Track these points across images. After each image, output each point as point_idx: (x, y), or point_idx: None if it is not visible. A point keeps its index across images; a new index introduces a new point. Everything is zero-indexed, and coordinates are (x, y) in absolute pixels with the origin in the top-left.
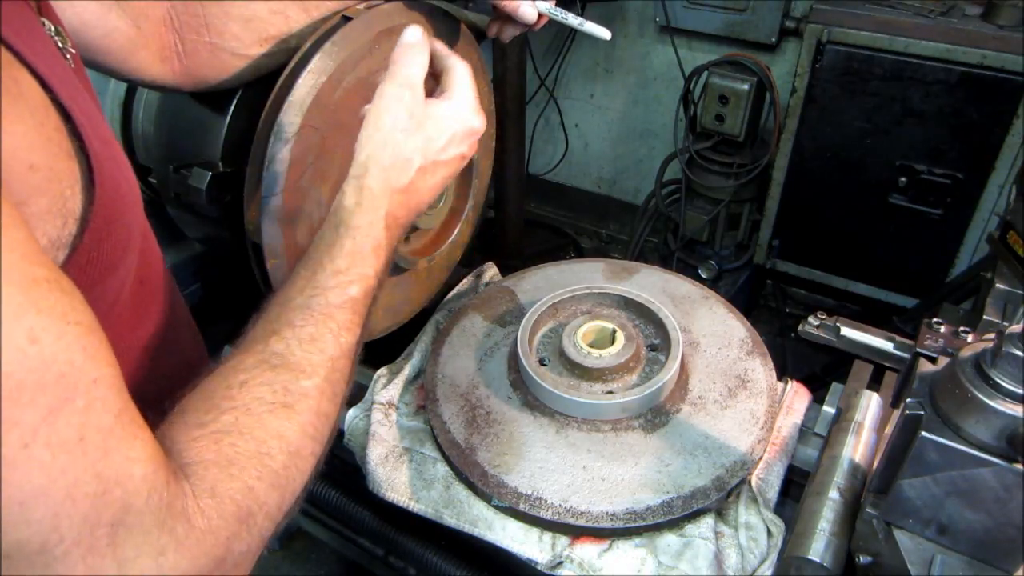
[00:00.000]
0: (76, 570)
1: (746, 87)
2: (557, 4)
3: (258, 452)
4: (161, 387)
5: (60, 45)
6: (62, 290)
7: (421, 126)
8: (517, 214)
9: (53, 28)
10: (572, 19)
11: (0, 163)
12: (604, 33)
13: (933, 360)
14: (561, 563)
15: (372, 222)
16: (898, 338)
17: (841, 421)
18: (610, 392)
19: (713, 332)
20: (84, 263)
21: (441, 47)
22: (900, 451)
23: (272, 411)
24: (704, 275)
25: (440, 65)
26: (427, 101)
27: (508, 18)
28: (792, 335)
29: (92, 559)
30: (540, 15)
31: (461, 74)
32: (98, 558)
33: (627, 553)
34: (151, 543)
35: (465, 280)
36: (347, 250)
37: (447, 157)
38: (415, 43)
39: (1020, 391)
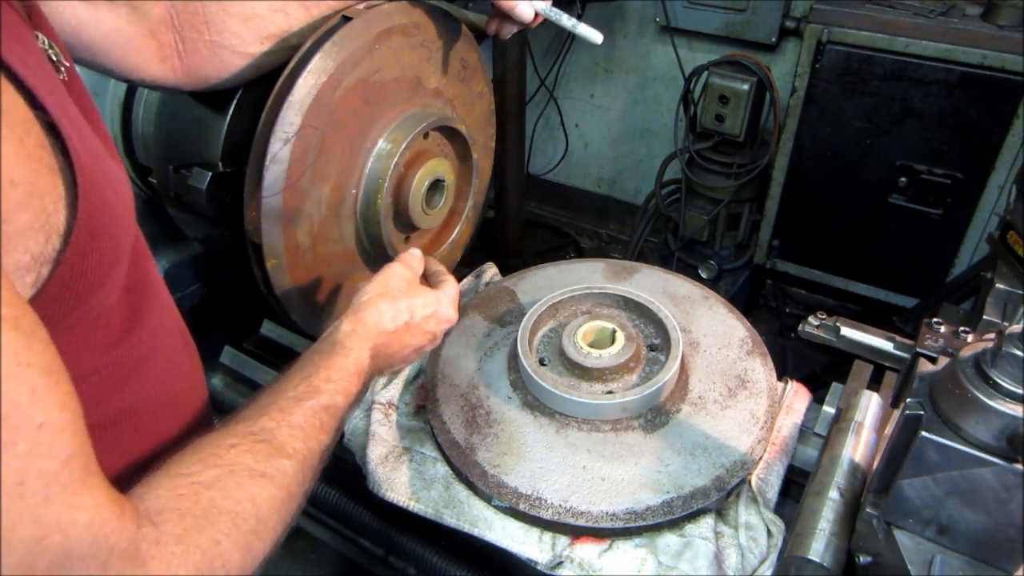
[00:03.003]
0: None
1: (746, 87)
2: (553, 5)
3: (232, 511)
4: (153, 396)
5: (54, 59)
6: (18, 329)
7: (414, 294)
8: (517, 214)
9: (47, 42)
10: (566, 20)
11: None
12: (596, 37)
13: (933, 360)
14: (561, 563)
15: (361, 348)
16: (898, 338)
17: (841, 421)
18: (610, 392)
19: (713, 332)
20: (68, 278)
21: (439, 266)
22: (900, 451)
23: (251, 477)
24: (704, 275)
25: (437, 279)
26: (422, 285)
27: (506, 16)
28: (792, 335)
29: None
30: (536, 14)
31: (451, 284)
32: None
33: (627, 553)
34: None
35: (465, 280)
36: (338, 365)
37: (427, 328)
38: (418, 254)
39: (1020, 391)
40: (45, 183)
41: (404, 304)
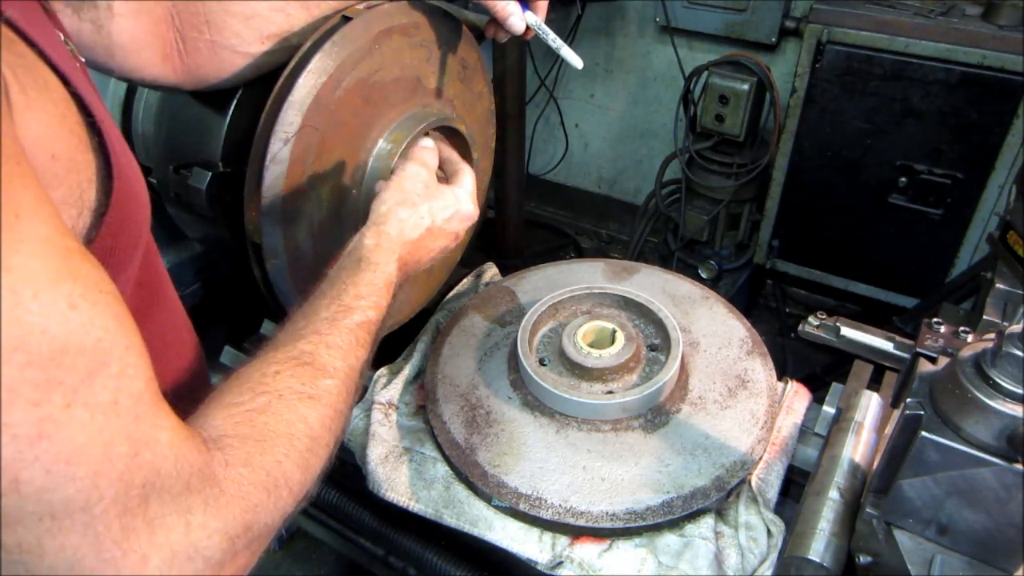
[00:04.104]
0: (112, 528)
1: (746, 87)
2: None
3: (287, 433)
4: (160, 390)
5: (72, 53)
6: (91, 262)
7: (433, 196)
8: (517, 214)
9: (62, 37)
10: (551, 40)
11: (3, 144)
12: (577, 63)
13: (933, 360)
14: (561, 563)
15: (387, 261)
16: (898, 338)
17: (841, 421)
18: (610, 392)
19: (713, 332)
20: (100, 257)
21: (452, 153)
22: (900, 451)
23: (300, 399)
24: (704, 275)
25: (451, 168)
26: (439, 183)
27: (501, 24)
28: (792, 335)
29: (126, 518)
30: (528, 28)
31: (467, 173)
32: (131, 518)
33: (627, 553)
34: (179, 503)
35: (465, 280)
36: (367, 280)
37: (449, 228)
38: (431, 145)
39: (1020, 391)
40: (82, 160)
41: (425, 209)
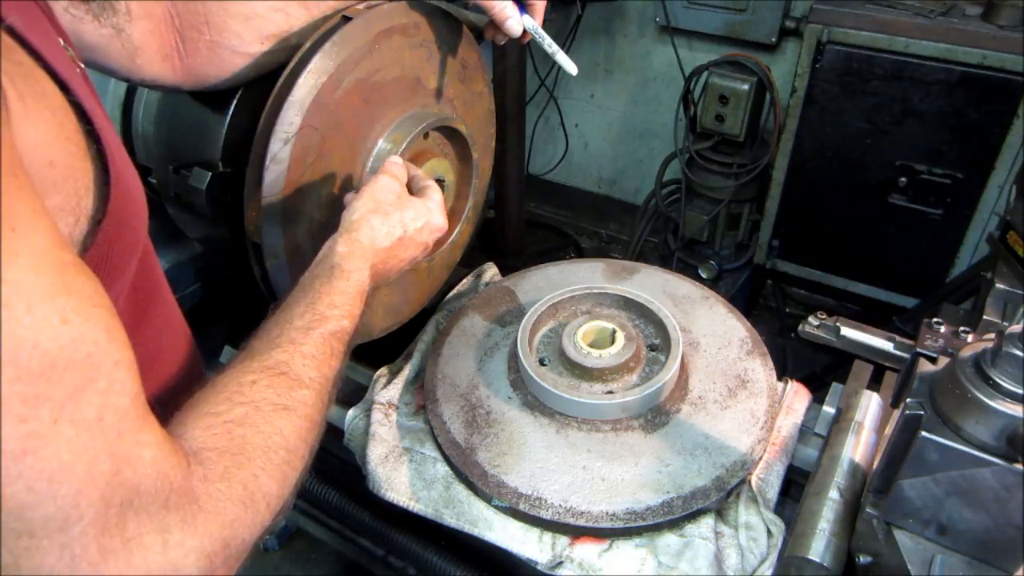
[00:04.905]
0: (90, 549)
1: (746, 87)
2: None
3: (264, 445)
4: (155, 395)
5: (72, 58)
6: (86, 275)
7: (404, 206)
8: (517, 214)
9: (62, 43)
10: (547, 45)
11: (1, 155)
12: (572, 69)
13: (933, 360)
14: (561, 563)
15: (360, 268)
16: (898, 338)
17: (841, 421)
18: (610, 392)
19: (713, 332)
20: (96, 264)
21: (419, 171)
22: (900, 451)
23: (276, 411)
24: (704, 275)
25: (418, 185)
26: (409, 196)
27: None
28: (792, 335)
29: (104, 539)
30: (525, 31)
31: (435, 189)
32: (108, 538)
33: (627, 553)
34: (157, 522)
35: (465, 280)
36: (340, 289)
37: (420, 239)
38: (399, 161)
39: (1020, 391)
40: (79, 167)
41: (396, 218)
